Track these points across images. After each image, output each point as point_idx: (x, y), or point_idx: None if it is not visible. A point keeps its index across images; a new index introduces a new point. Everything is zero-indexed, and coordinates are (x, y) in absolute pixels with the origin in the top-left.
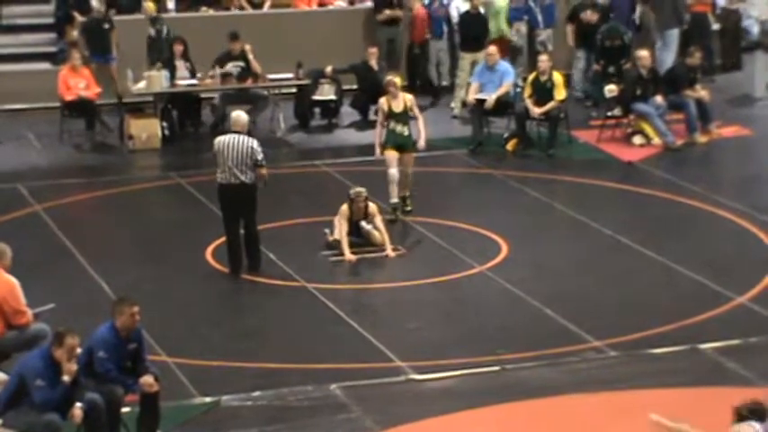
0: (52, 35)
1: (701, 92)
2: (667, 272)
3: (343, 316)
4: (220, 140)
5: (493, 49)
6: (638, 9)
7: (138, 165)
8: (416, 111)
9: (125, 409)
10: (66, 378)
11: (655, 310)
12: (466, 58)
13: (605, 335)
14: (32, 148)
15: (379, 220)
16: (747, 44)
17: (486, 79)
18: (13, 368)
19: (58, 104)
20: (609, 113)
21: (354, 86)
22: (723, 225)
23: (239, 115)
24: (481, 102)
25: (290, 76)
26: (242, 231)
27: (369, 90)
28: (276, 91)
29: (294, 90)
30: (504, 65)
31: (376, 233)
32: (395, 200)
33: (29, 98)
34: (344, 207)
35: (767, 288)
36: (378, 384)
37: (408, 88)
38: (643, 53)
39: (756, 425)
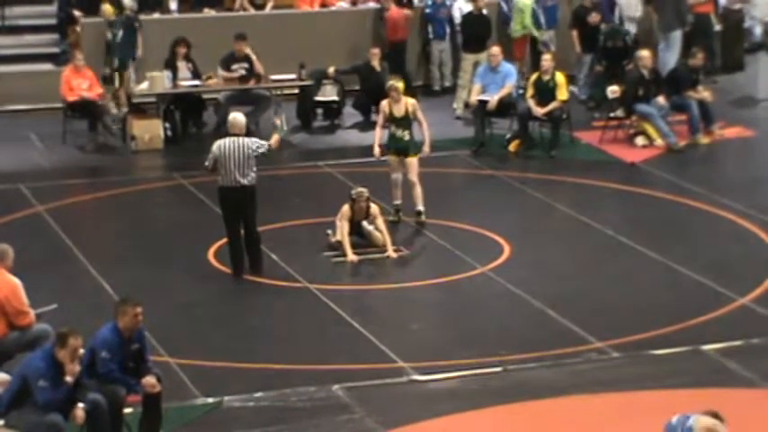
0: (55, 36)
1: (704, 93)
2: (670, 273)
3: (346, 317)
4: (220, 144)
5: (496, 50)
6: (642, 9)
7: (140, 166)
8: (420, 116)
9: (127, 410)
10: (68, 379)
11: (657, 311)
12: (468, 59)
13: (607, 336)
14: (35, 148)
15: (380, 221)
16: (750, 45)
17: (489, 80)
18: (15, 369)
19: (60, 105)
20: (611, 114)
21: (357, 87)
22: (725, 226)
23: (236, 118)
24: (483, 103)
25: (293, 76)
26: (242, 232)
27: (371, 91)
28: (279, 92)
29: (297, 91)
30: (507, 66)
31: (378, 234)
32: (398, 201)
33: (31, 99)
34: (345, 208)
35: None
36: (380, 385)
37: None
38: (644, 53)
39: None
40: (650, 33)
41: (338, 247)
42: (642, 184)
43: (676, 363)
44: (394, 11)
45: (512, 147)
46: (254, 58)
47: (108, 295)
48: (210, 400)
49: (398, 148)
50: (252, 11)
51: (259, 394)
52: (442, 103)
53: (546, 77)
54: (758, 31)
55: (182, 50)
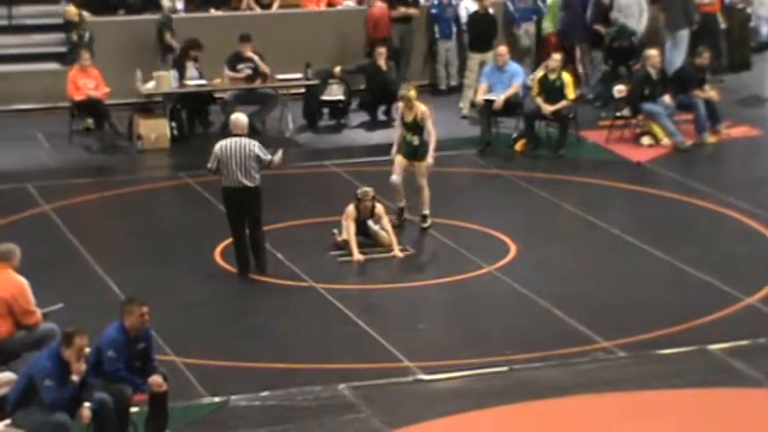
0: (61, 35)
1: (711, 92)
2: (676, 272)
3: (352, 316)
4: (222, 145)
5: (503, 49)
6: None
7: (146, 165)
8: (429, 124)
9: (134, 409)
10: (74, 378)
11: (663, 310)
12: (474, 59)
13: (613, 335)
14: (41, 148)
15: (386, 220)
16: (757, 45)
17: (496, 80)
18: (22, 368)
19: (67, 104)
20: (618, 114)
21: (363, 87)
22: (732, 225)
23: (238, 118)
24: (490, 102)
25: (299, 76)
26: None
27: (377, 90)
28: (285, 91)
29: (303, 90)
30: (514, 65)
31: (383, 234)
32: (400, 203)
33: (38, 98)
34: (351, 207)
35: None
36: (386, 384)
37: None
38: (652, 53)
39: None
40: (657, 33)
41: (344, 246)
42: (648, 183)
43: (682, 362)
44: (377, 9)
45: (518, 146)
46: (257, 59)
47: (114, 294)
48: (217, 399)
49: (408, 153)
50: (258, 10)
51: (265, 393)
52: (448, 102)
53: (552, 76)
54: (765, 30)
55: (193, 53)
